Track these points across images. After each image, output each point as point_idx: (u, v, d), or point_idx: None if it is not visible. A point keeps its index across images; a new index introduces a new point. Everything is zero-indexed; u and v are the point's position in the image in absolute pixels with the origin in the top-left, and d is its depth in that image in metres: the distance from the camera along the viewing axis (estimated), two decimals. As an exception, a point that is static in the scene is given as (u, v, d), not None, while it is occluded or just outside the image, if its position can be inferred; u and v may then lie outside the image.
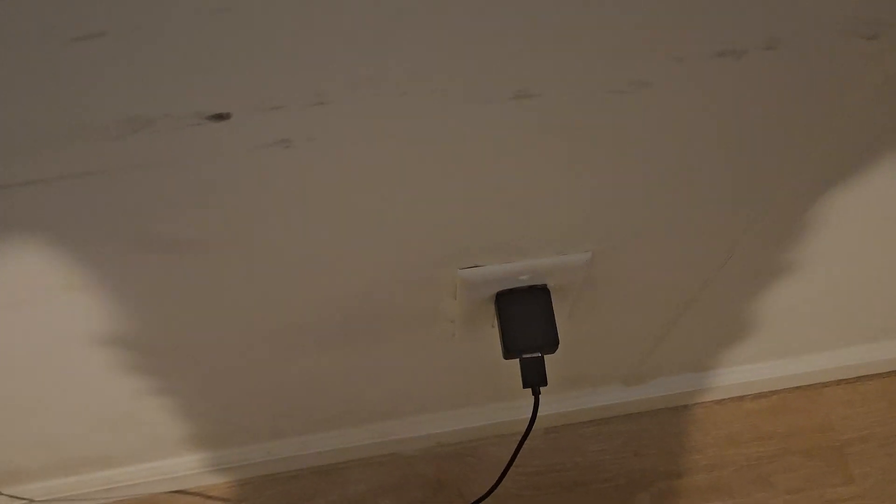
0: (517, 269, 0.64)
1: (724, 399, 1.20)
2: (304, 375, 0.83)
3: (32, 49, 0.34)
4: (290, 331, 0.70)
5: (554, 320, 0.66)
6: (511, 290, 0.67)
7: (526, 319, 0.66)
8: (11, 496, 1.08)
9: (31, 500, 1.09)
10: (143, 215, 0.48)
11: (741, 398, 1.20)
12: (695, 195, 0.58)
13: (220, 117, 0.40)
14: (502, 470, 0.84)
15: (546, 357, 0.69)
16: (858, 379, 1.20)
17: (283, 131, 0.43)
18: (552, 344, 0.66)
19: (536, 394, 0.68)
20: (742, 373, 1.13)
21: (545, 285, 0.67)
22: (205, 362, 0.75)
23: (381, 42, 0.38)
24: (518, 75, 0.42)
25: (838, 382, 1.19)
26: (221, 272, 0.57)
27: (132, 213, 0.48)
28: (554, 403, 1.11)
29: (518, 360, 0.67)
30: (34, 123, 0.39)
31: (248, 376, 0.80)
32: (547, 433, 1.17)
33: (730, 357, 1.08)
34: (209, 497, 1.17)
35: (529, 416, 1.11)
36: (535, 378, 0.67)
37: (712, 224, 0.63)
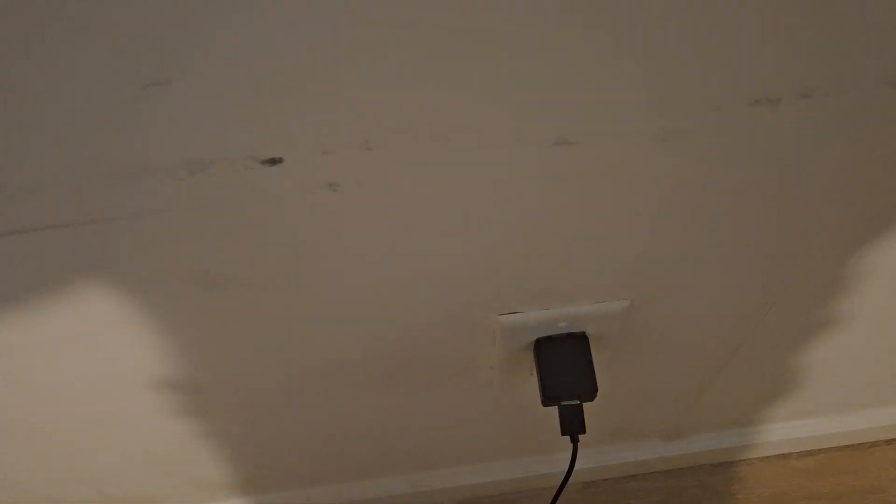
0: (556, 316, 0.65)
1: (768, 456, 1.17)
2: (342, 419, 0.84)
3: (105, 94, 0.37)
4: (331, 373, 0.71)
5: (593, 368, 0.66)
6: (550, 338, 0.67)
7: (565, 366, 0.67)
8: (52, 535, 1.09)
9: (72, 540, 1.10)
10: (197, 254, 0.50)
11: (786, 456, 1.17)
12: (734, 245, 0.58)
13: (273, 161, 0.43)
14: (540, 521, 0.83)
15: (584, 407, 0.69)
16: (909, 439, 1.16)
17: (331, 175, 0.45)
18: (591, 391, 0.66)
19: (575, 441, 0.68)
20: (787, 429, 1.10)
21: (584, 333, 0.67)
22: (247, 403, 0.76)
23: (426, 89, 0.40)
24: (558, 122, 0.43)
25: (888, 441, 1.16)
26: (268, 311, 0.59)
27: (188, 252, 0.50)
28: (592, 456, 1.09)
29: (556, 407, 0.67)
30: (101, 164, 0.41)
31: (289, 419, 0.81)
32: (586, 487, 1.16)
33: (774, 412, 1.06)
34: (245, 543, 1.16)
35: (567, 467, 1.09)
36: (573, 425, 0.66)
37: (752, 276, 0.63)
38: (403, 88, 0.39)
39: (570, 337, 0.67)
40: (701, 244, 0.57)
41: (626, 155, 0.46)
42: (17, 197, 0.42)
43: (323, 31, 0.36)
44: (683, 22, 0.38)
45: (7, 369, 0.62)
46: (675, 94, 0.42)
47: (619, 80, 0.41)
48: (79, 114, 0.38)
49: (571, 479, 1.13)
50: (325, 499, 1.10)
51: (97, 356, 0.61)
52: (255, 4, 0.34)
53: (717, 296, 0.66)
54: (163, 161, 0.41)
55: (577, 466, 1.10)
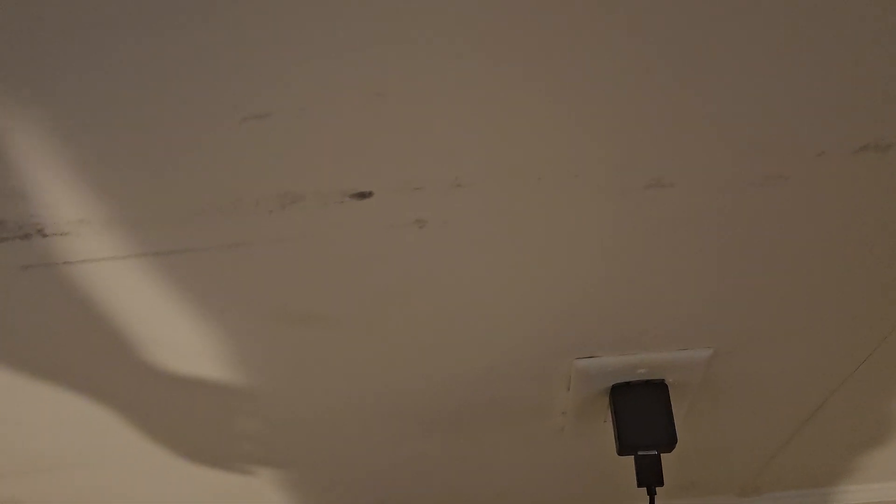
0: (635, 362, 0.63)
1: (850, 520, 1.11)
2: (412, 459, 0.83)
3: (208, 126, 0.37)
4: (403, 411, 0.71)
5: (672, 417, 0.64)
6: (628, 384, 0.65)
7: (642, 415, 0.64)
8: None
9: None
10: (281, 288, 0.50)
11: (870, 520, 1.10)
12: (830, 296, 0.56)
13: (363, 195, 0.43)
14: (609, 576, 0.80)
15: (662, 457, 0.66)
16: None
17: (419, 211, 0.44)
18: (670, 442, 0.64)
19: (652, 494, 0.65)
20: (873, 491, 1.04)
21: (663, 380, 0.65)
22: (317, 438, 0.76)
23: (520, 130, 0.39)
24: (653, 165, 0.42)
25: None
26: (344, 348, 0.59)
27: (271, 286, 0.50)
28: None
29: (633, 457, 0.65)
30: (196, 196, 0.42)
31: (358, 455, 0.81)
32: (653, 542, 1.11)
33: (857, 473, 1.00)
34: (303, 580, 1.15)
35: (636, 521, 1.05)
36: (651, 477, 0.64)
37: (848, 329, 0.60)
38: (497, 129, 0.39)
39: (649, 384, 0.65)
40: (794, 294, 0.55)
41: (721, 200, 0.45)
42: (113, 226, 0.43)
43: (420, 70, 0.36)
44: (789, 66, 0.37)
45: (92, 395, 0.63)
46: (776, 139, 0.41)
47: (719, 123, 0.40)
48: (177, 146, 0.39)
49: (638, 533, 1.10)
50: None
51: (173, 384, 0.62)
52: (356, 44, 0.34)
53: (807, 349, 0.63)
54: (255, 194, 0.42)
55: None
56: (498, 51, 0.35)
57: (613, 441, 0.68)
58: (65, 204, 0.42)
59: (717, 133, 0.41)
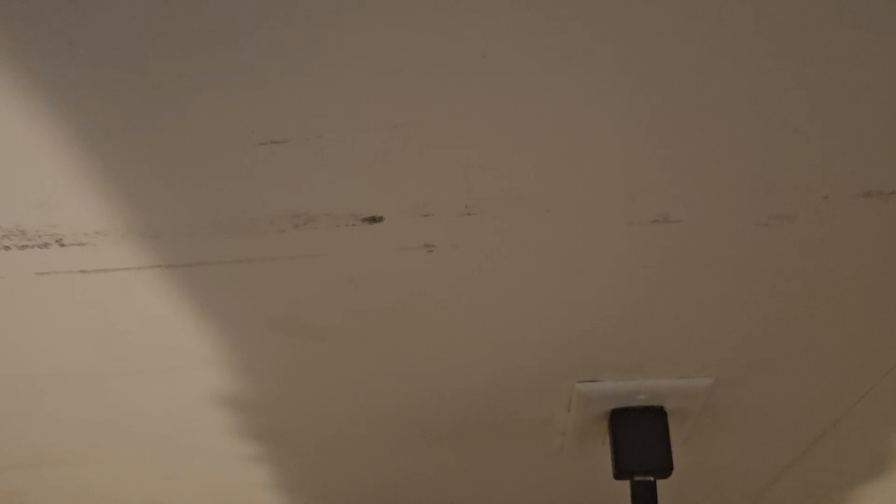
0: (636, 388, 0.63)
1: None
2: (411, 471, 0.84)
3: (227, 148, 0.39)
4: (405, 424, 0.71)
5: (669, 444, 0.65)
6: (627, 409, 0.66)
7: (640, 440, 0.65)
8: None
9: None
10: (288, 301, 0.51)
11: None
12: (831, 333, 0.57)
13: (374, 220, 0.44)
14: None
15: (657, 483, 0.67)
16: None
17: (429, 236, 0.45)
18: (666, 468, 0.64)
19: (646, 521, 0.65)
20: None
21: (662, 407, 0.66)
22: (319, 448, 0.77)
23: (532, 162, 0.40)
24: (661, 201, 0.43)
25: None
26: (349, 362, 0.60)
27: (281, 300, 0.51)
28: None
29: (629, 481, 0.66)
30: (210, 213, 0.43)
31: (358, 465, 0.82)
32: (647, 563, 1.11)
33: (859, 499, 1.00)
34: (297, 584, 1.16)
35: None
36: (645, 502, 0.64)
37: (848, 364, 0.61)
38: (508, 161, 0.40)
39: (648, 410, 0.66)
40: (796, 329, 0.56)
41: (727, 236, 0.46)
42: (130, 239, 0.44)
43: (438, 103, 0.37)
44: (799, 111, 0.37)
45: (101, 397, 0.64)
46: (783, 180, 0.41)
47: (728, 163, 0.40)
48: (195, 164, 0.40)
49: (633, 553, 1.10)
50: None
51: (176, 390, 0.63)
52: (376, 76, 0.35)
53: (809, 381, 0.64)
54: (270, 213, 0.43)
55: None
56: (512, 87, 0.36)
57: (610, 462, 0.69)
58: (85, 216, 0.43)
59: (726, 173, 0.41)
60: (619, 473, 0.66)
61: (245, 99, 0.36)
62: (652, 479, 0.65)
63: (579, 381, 0.63)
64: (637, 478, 0.65)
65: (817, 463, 0.83)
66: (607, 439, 0.69)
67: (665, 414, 0.65)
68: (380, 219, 0.44)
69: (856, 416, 0.70)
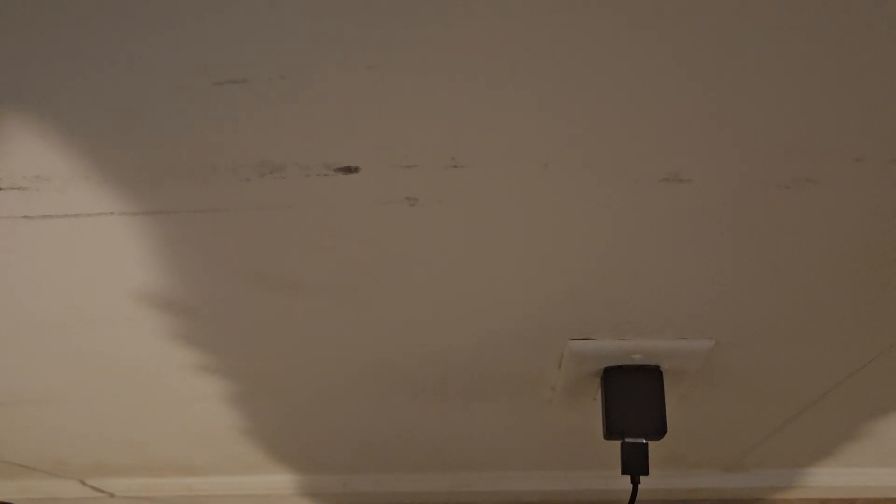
0: (631, 348, 0.60)
1: (831, 499, 1.10)
2: (394, 419, 0.81)
3: (176, 88, 0.33)
4: (390, 377, 0.68)
5: (664, 406, 0.61)
6: (621, 367, 0.62)
7: (633, 401, 0.62)
8: (95, 488, 1.11)
9: (112, 495, 1.11)
10: (260, 254, 0.47)
11: (852, 501, 1.10)
12: (841, 301, 0.53)
13: (349, 170, 0.39)
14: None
15: (646, 437, 0.64)
16: None
17: (411, 189, 0.41)
18: (659, 431, 0.61)
19: (635, 483, 0.63)
20: (857, 476, 1.03)
21: (658, 367, 0.62)
22: (298, 395, 0.73)
23: (527, 110, 0.35)
24: (672, 159, 0.38)
25: (966, 502, 1.08)
26: (326, 315, 0.56)
27: (250, 251, 0.47)
28: (646, 478, 1.04)
29: (619, 443, 0.63)
30: (166, 157, 0.38)
31: (338, 412, 0.79)
32: (632, 508, 1.11)
33: (846, 457, 0.99)
34: (281, 519, 1.16)
35: (616, 487, 1.05)
36: (636, 466, 0.62)
37: (854, 332, 0.57)
38: (501, 110, 0.35)
39: (643, 370, 0.62)
40: (805, 295, 0.52)
41: (741, 199, 0.41)
42: (74, 183, 0.40)
43: (417, 42, 0.31)
44: (832, 67, 0.32)
45: (65, 343, 0.60)
46: (811, 142, 0.36)
47: (750, 122, 0.35)
48: (144, 104, 0.35)
49: (619, 499, 1.09)
50: (364, 487, 1.08)
51: (147, 338, 0.59)
52: (344, 11, 0.30)
53: (811, 347, 0.60)
54: (232, 161, 0.38)
55: (624, 485, 1.06)
56: (504, 25, 0.31)
57: (601, 420, 0.66)
58: (21, 158, 0.38)
59: (747, 132, 0.36)
60: (609, 434, 0.63)
61: (195, 32, 0.31)
62: (644, 441, 0.62)
63: (572, 339, 0.59)
64: (628, 439, 0.62)
65: (807, 426, 0.81)
66: (597, 396, 0.66)
67: (661, 374, 0.62)
68: (355, 169, 0.39)
69: (854, 383, 0.67)
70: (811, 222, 0.43)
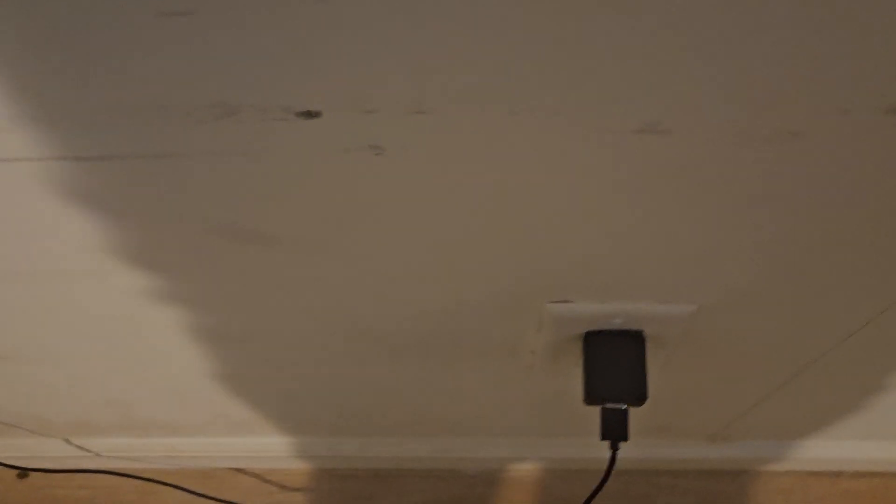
0: (612, 311, 0.58)
1: (818, 472, 1.10)
2: (374, 381, 0.80)
3: (117, 19, 0.31)
4: (366, 337, 0.67)
5: (645, 372, 0.60)
6: (602, 332, 0.61)
7: (614, 366, 0.60)
8: (80, 447, 1.10)
9: (98, 454, 1.11)
10: (223, 204, 0.45)
11: (838, 474, 1.09)
12: (829, 264, 0.51)
13: (310, 115, 0.37)
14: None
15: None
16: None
17: (375, 137, 0.39)
18: (639, 397, 0.60)
19: (615, 448, 0.62)
20: (843, 448, 1.03)
21: (640, 331, 0.61)
22: (276, 354, 0.72)
23: (492, 53, 0.33)
24: (648, 107, 0.36)
25: (954, 476, 1.07)
26: (298, 272, 0.54)
27: (211, 200, 0.45)
28: (629, 448, 1.03)
29: (599, 408, 0.61)
30: (113, 98, 0.36)
31: (318, 374, 0.78)
32: (618, 476, 1.10)
33: (833, 429, 0.98)
34: (266, 481, 1.16)
35: (598, 456, 1.04)
36: (616, 431, 0.61)
37: (842, 298, 0.55)
38: (462, 51, 0.33)
39: (625, 334, 0.61)
40: (791, 258, 0.50)
41: (723, 152, 0.39)
42: (20, 124, 0.38)
43: (376, -31, 0.29)
44: (818, 12, 0.30)
45: (38, 296, 0.59)
46: (796, 92, 0.35)
47: (732, 70, 0.33)
48: (89, 40, 0.33)
49: (600, 466, 1.09)
50: (350, 451, 1.08)
51: (115, 291, 0.58)
52: (295, -71, 0.28)
53: (797, 313, 0.59)
54: (183, 102, 0.36)
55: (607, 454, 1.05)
56: (471, -45, 0.29)
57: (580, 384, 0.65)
58: (-38, 95, 0.36)
59: (729, 80, 0.34)
60: (589, 399, 0.61)
61: (135, -45, 0.29)
62: (624, 406, 0.61)
63: (550, 302, 0.58)
64: (608, 405, 0.61)
65: (793, 397, 0.80)
66: (579, 362, 0.65)
67: (643, 339, 0.61)
68: (317, 114, 0.37)
69: (845, 350, 0.65)
70: (796, 178, 0.41)
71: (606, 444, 0.99)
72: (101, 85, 0.35)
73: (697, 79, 0.35)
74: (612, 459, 0.63)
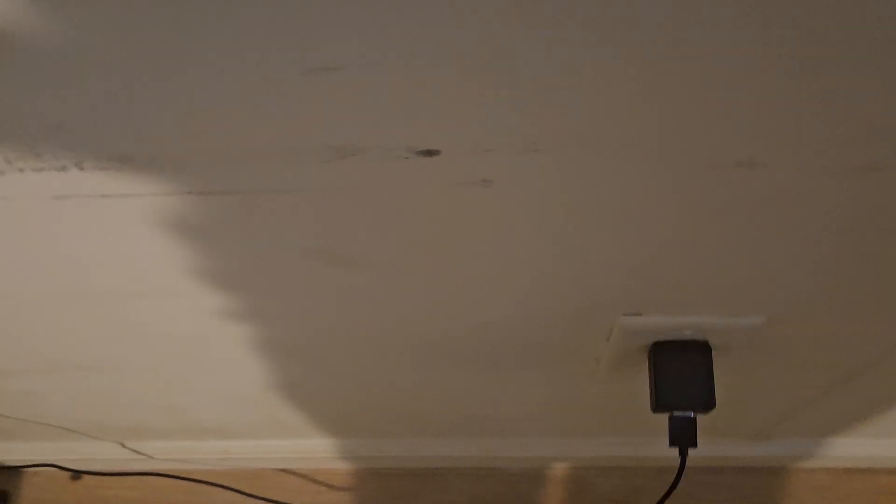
0: (682, 324, 0.61)
1: (854, 468, 1.12)
2: (430, 388, 0.82)
3: (266, 74, 0.34)
4: (432, 348, 0.69)
5: (713, 380, 0.62)
6: (669, 342, 0.63)
7: (682, 375, 0.63)
8: (134, 450, 1.13)
9: (150, 457, 1.14)
10: (327, 233, 0.48)
11: (874, 471, 1.12)
12: (893, 275, 0.53)
13: (430, 153, 0.39)
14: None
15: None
16: None
17: (487, 171, 0.41)
18: (708, 404, 0.62)
19: (684, 455, 0.64)
20: (880, 446, 1.05)
21: (706, 341, 0.63)
22: (341, 364, 0.75)
23: (604, 98, 0.35)
24: (749, 143, 0.38)
25: None
26: (380, 290, 0.57)
27: (318, 230, 0.47)
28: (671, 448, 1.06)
29: (667, 416, 0.64)
30: (251, 142, 0.38)
31: (380, 381, 0.80)
32: (660, 474, 1.13)
33: (870, 427, 1.00)
34: (313, 481, 1.18)
35: (645, 462, 1.07)
36: (684, 439, 0.63)
37: (909, 308, 0.57)
38: (584, 96, 0.35)
39: (691, 344, 0.63)
40: (863, 275, 0.52)
41: (812, 184, 0.41)
42: (156, 163, 0.40)
43: (509, 31, 0.31)
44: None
45: (122, 314, 0.62)
46: (874, 129, 0.37)
47: (827, 105, 0.36)
48: (230, 89, 0.35)
49: (646, 465, 1.11)
50: (397, 451, 1.10)
51: (199, 311, 0.60)
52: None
53: (859, 321, 0.61)
54: (314, 144, 0.38)
55: (653, 453, 1.07)
56: (587, 18, 0.31)
57: (642, 389, 0.67)
58: (107, 140, 0.38)
59: (826, 114, 0.36)
60: (658, 407, 0.64)
61: (290, 23, 0.31)
62: (692, 414, 0.63)
63: (624, 315, 0.60)
64: (677, 413, 0.63)
65: (840, 397, 0.82)
66: (642, 369, 0.67)
67: (710, 348, 0.63)
68: (436, 152, 0.39)
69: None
70: (871, 205, 0.43)
71: (648, 441, 1.02)
72: (235, 131, 0.37)
73: (794, 117, 0.37)
74: (682, 465, 0.65)
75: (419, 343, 0.68)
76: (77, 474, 1.21)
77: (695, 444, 0.64)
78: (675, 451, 1.03)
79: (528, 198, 0.43)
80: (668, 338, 0.63)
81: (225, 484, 1.16)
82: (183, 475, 1.15)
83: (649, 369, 0.65)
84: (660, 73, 0.34)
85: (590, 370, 0.74)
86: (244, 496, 1.16)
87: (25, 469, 1.21)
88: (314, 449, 1.12)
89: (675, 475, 0.65)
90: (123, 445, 1.12)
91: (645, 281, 0.55)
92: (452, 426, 1.03)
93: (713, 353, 0.63)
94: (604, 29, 0.31)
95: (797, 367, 0.71)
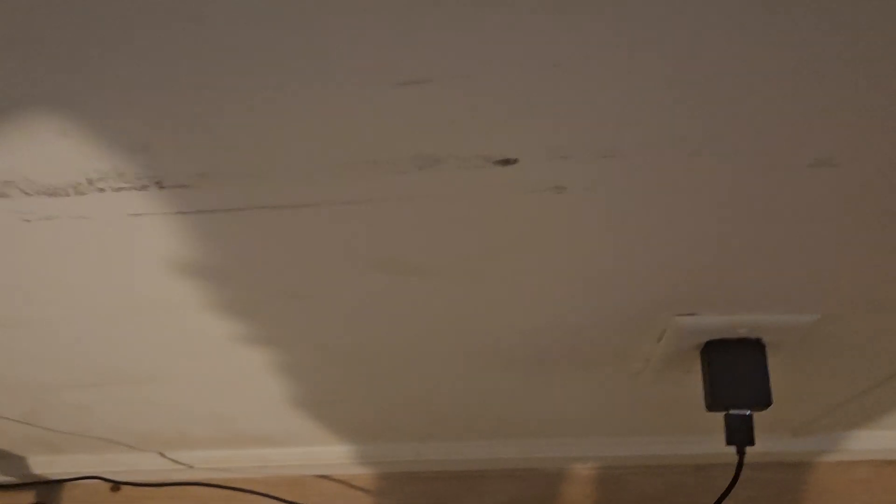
0: (736, 323, 0.61)
1: (893, 460, 1.11)
2: (478, 392, 0.83)
3: (360, 87, 0.34)
4: (484, 353, 0.69)
5: (768, 378, 0.63)
6: (722, 341, 0.63)
7: (737, 373, 0.63)
8: (173, 460, 1.14)
9: (190, 466, 1.15)
10: (393, 242, 0.48)
11: (915, 462, 1.11)
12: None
13: (507, 162, 0.40)
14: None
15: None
16: None
17: (561, 179, 0.41)
18: (764, 401, 0.63)
19: (741, 453, 0.64)
20: (922, 437, 1.05)
21: (760, 339, 0.63)
22: (387, 370, 0.75)
23: (684, 102, 0.36)
24: (825, 143, 0.39)
25: None
26: (440, 297, 0.57)
27: (383, 239, 0.48)
28: (707, 442, 1.06)
29: (723, 414, 0.64)
30: (331, 155, 0.39)
31: (425, 386, 0.81)
32: (699, 470, 1.13)
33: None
34: (352, 486, 1.19)
35: (685, 460, 1.06)
36: (741, 436, 0.63)
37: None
38: (661, 102, 0.35)
39: (745, 342, 0.63)
40: (926, 269, 0.52)
41: (881, 182, 0.41)
42: (234, 179, 0.41)
43: (597, 40, 0.32)
44: None
45: (173, 326, 0.62)
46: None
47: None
48: (318, 106, 0.35)
49: (683, 463, 1.11)
50: (435, 455, 1.11)
51: (259, 318, 0.61)
52: (538, 11, 0.30)
53: (915, 316, 0.61)
54: (393, 155, 0.39)
55: (691, 451, 1.07)
56: (667, 27, 0.31)
57: (691, 388, 0.68)
58: (187, 157, 0.39)
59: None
60: (713, 406, 0.64)
61: (384, 38, 0.31)
62: (749, 412, 0.63)
63: (678, 315, 0.60)
64: (733, 411, 0.63)
65: (886, 390, 0.82)
66: (692, 368, 0.67)
67: (763, 346, 0.63)
68: (513, 161, 0.39)
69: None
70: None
71: (686, 439, 1.02)
72: (318, 145, 0.38)
73: (868, 114, 0.37)
74: (740, 464, 0.65)
75: (471, 348, 0.69)
76: (117, 485, 1.21)
77: (752, 442, 0.64)
78: (712, 448, 1.04)
79: (598, 203, 0.43)
80: (721, 336, 0.63)
81: (264, 492, 1.16)
82: (221, 483, 1.16)
83: (703, 368, 0.65)
84: (736, 76, 0.34)
85: (636, 370, 0.74)
86: (283, 503, 1.17)
87: (65, 482, 1.22)
88: (353, 455, 1.12)
89: (719, 472, 0.65)
90: (163, 455, 1.13)
91: (701, 281, 0.55)
92: (491, 428, 1.04)
93: (766, 350, 0.63)
94: (679, 38, 0.32)
95: (848, 362, 0.71)
